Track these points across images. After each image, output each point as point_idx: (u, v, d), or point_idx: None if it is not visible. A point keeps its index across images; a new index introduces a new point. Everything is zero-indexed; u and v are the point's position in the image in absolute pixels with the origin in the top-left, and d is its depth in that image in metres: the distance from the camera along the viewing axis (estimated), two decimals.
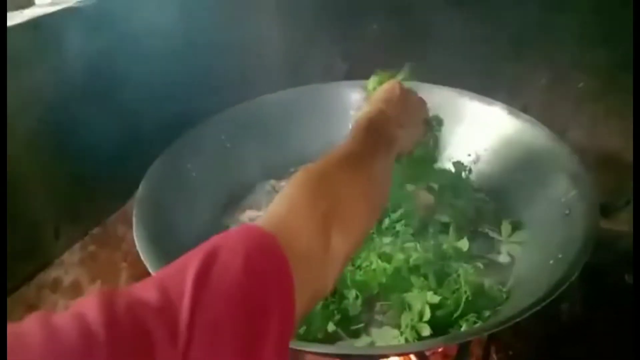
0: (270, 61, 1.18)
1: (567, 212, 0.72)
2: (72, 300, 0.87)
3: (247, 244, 0.40)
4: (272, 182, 0.95)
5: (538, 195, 0.80)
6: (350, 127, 0.61)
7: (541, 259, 0.69)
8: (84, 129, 0.79)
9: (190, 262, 0.38)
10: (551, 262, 0.66)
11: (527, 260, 0.73)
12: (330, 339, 0.66)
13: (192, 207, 0.82)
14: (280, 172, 0.96)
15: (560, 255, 0.66)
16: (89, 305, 0.35)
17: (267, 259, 0.40)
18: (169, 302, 0.36)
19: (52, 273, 0.86)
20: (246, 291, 0.37)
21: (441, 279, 0.69)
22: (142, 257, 0.64)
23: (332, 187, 0.49)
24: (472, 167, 0.91)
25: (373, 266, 0.71)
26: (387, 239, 0.76)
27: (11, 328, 0.33)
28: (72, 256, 0.88)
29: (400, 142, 0.61)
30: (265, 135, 0.95)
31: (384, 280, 0.69)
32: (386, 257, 0.72)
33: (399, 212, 0.78)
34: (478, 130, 0.92)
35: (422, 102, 0.71)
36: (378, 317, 0.69)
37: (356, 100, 0.97)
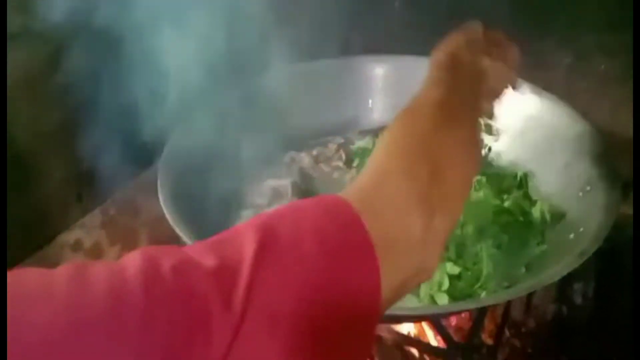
0: (289, 33, 1.18)
1: (588, 188, 0.72)
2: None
3: (321, 220, 0.34)
4: (292, 153, 0.95)
5: (559, 173, 0.80)
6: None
7: (561, 232, 0.69)
8: (109, 93, 0.80)
9: (248, 232, 0.33)
10: (572, 236, 0.67)
11: (547, 234, 0.74)
12: None
13: (213, 175, 0.83)
14: (299, 145, 0.96)
15: (581, 229, 0.66)
16: (131, 261, 0.31)
17: (345, 238, 0.33)
18: (226, 268, 0.31)
19: (73, 235, 0.87)
20: (320, 276, 0.32)
21: (461, 251, 0.69)
22: (167, 216, 0.65)
23: (432, 151, 0.41)
24: (493, 145, 0.91)
25: None
26: None
27: (43, 275, 0.30)
28: (93, 219, 0.90)
29: (489, 78, 0.51)
30: (283, 107, 0.95)
31: None
32: None
33: None
34: (499, 107, 0.92)
35: (509, 42, 0.57)
36: None
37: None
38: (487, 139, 0.92)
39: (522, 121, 0.90)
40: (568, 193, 0.76)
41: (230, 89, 0.92)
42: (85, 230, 0.89)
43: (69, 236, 0.87)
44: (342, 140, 1.00)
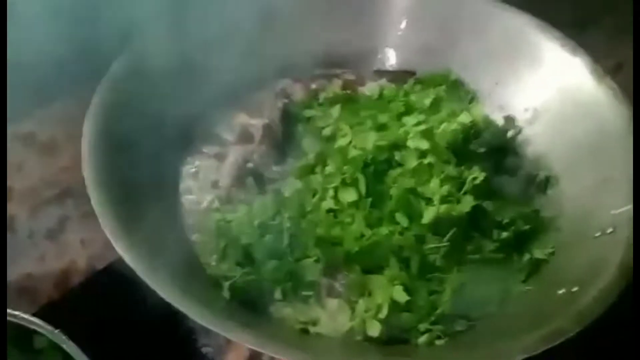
0: None
1: (610, 230, 0.56)
2: None
3: None
4: (285, 82, 0.80)
5: (589, 189, 0.62)
6: None
7: (550, 284, 0.54)
8: None
9: None
10: (561, 291, 0.52)
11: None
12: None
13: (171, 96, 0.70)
14: (300, 72, 0.81)
15: (574, 289, 0.51)
16: None
17: None
18: None
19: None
20: None
21: (425, 271, 0.56)
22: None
23: None
24: (525, 127, 0.73)
25: (351, 227, 0.58)
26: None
27: None
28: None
29: None
30: (285, 22, 0.79)
31: (355, 248, 0.56)
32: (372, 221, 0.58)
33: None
34: (545, 83, 0.73)
35: None
36: (338, 286, 0.58)
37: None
38: (520, 119, 0.74)
39: (569, 106, 0.70)
40: (585, 225, 0.59)
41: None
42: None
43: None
44: (353, 77, 0.84)
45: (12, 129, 0.77)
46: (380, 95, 0.76)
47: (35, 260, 0.66)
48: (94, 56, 0.69)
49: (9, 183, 0.72)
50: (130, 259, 0.49)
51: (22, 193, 0.73)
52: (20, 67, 0.68)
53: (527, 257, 0.59)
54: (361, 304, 0.54)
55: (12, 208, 0.71)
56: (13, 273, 0.64)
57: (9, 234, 0.68)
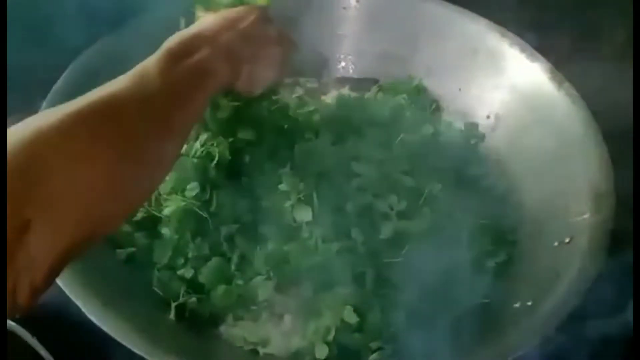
0: None
1: (567, 240, 0.54)
2: None
3: None
4: None
5: (546, 200, 0.61)
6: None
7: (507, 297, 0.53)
8: None
9: None
10: (526, 303, 0.50)
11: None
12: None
13: None
14: None
15: (529, 303, 0.50)
16: None
17: None
18: None
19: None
20: None
21: (380, 287, 0.54)
22: None
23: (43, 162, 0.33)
24: (487, 134, 0.72)
25: (304, 243, 0.56)
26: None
27: None
28: None
29: (222, 78, 0.47)
30: None
31: (304, 265, 0.55)
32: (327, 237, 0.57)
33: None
34: (506, 89, 0.71)
35: (285, 42, 0.56)
36: (291, 302, 0.56)
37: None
38: (482, 126, 0.73)
39: (529, 111, 0.69)
40: (543, 234, 0.58)
41: None
42: None
43: None
44: (315, 85, 0.82)
45: None
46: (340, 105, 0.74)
47: None
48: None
49: None
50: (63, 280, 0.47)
51: None
52: None
53: (486, 269, 0.57)
54: (311, 325, 0.52)
55: None
56: None
57: None
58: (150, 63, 0.42)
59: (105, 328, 0.45)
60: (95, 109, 0.36)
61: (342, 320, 0.51)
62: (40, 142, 0.33)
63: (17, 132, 0.33)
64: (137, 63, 0.43)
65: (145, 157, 0.39)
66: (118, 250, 0.56)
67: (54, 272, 0.34)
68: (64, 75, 0.64)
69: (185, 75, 0.43)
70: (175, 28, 0.50)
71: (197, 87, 0.44)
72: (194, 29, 0.48)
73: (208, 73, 0.45)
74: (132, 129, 0.38)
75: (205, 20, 0.50)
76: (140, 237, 0.57)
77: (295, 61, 0.78)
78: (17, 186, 0.32)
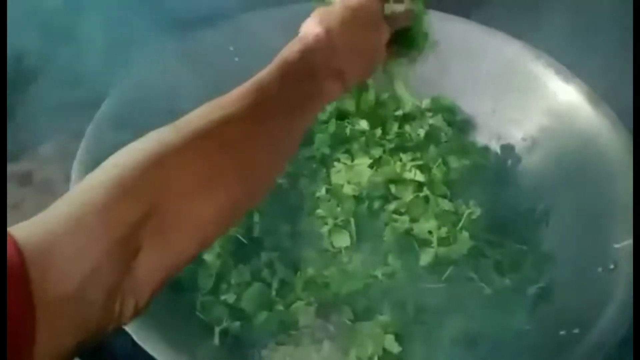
0: None
1: (612, 266, 0.54)
2: None
3: None
4: None
5: (583, 224, 0.61)
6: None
7: (551, 324, 0.53)
8: None
9: None
10: (573, 331, 0.50)
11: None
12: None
13: None
14: None
15: (575, 331, 0.49)
16: None
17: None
18: None
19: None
20: None
21: (421, 314, 0.54)
22: None
23: (157, 181, 0.33)
24: (524, 156, 0.72)
25: (343, 268, 0.57)
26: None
27: None
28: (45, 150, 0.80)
29: (338, 87, 0.43)
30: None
31: (344, 290, 0.55)
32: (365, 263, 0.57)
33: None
34: (542, 111, 0.71)
35: (380, 25, 0.48)
36: (332, 328, 0.57)
37: None
38: (518, 148, 0.73)
39: (567, 133, 0.69)
40: (586, 259, 0.57)
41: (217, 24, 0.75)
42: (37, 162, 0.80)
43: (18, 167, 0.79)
44: None
45: (9, 169, 0.77)
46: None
47: None
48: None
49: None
50: None
51: None
52: None
53: (528, 295, 0.57)
54: (352, 354, 0.52)
55: None
56: None
57: None
58: (267, 76, 0.40)
59: (150, 350, 0.46)
60: (212, 136, 0.35)
61: (384, 349, 0.51)
62: (160, 171, 0.33)
63: (135, 153, 0.33)
64: None
65: (255, 185, 0.38)
66: None
67: (155, 294, 0.34)
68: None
69: (304, 88, 0.41)
70: None
71: (313, 99, 0.42)
72: (311, 30, 0.43)
73: (325, 84, 0.42)
74: (247, 158, 0.37)
75: (325, 15, 0.44)
76: None
77: None
78: (132, 211, 0.31)
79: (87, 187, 0.32)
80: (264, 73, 0.40)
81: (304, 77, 0.41)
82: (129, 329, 0.47)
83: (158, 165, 0.33)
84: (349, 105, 0.70)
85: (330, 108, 0.73)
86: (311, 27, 0.43)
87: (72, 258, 0.30)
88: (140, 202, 0.32)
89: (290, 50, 0.42)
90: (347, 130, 0.70)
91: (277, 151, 0.39)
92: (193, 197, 0.34)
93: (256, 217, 0.59)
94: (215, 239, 0.37)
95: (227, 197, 0.35)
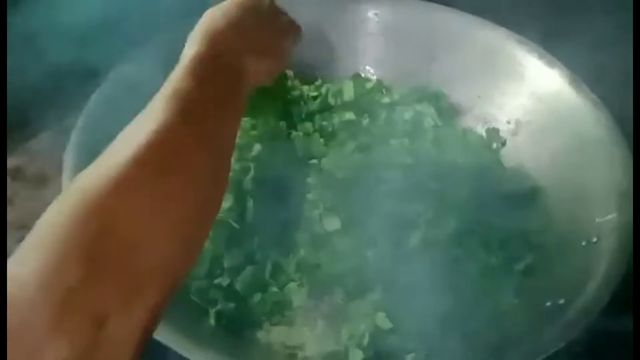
0: None
1: (594, 239, 0.55)
2: None
3: None
4: None
5: (571, 200, 0.62)
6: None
7: (538, 297, 0.54)
8: None
9: None
10: (558, 302, 0.51)
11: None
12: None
13: None
14: None
15: (561, 302, 0.51)
16: None
17: None
18: None
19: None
20: None
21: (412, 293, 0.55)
22: None
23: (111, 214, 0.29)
24: (508, 139, 0.74)
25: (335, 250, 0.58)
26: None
27: None
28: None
29: (255, 75, 0.45)
30: None
31: (336, 271, 0.56)
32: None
33: None
34: (526, 95, 0.73)
35: (292, 28, 0.53)
36: (325, 307, 0.58)
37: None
38: (503, 131, 0.74)
39: (550, 116, 0.71)
40: (571, 234, 0.59)
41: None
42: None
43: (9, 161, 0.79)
44: None
45: None
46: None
47: None
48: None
49: None
50: None
51: (12, 226, 0.73)
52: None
53: (515, 271, 0.58)
54: (344, 331, 0.54)
55: None
56: None
57: None
58: (180, 77, 0.39)
59: None
60: (153, 152, 0.33)
61: (376, 326, 0.52)
62: (95, 225, 0.29)
63: (61, 214, 0.30)
64: None
65: (206, 189, 0.36)
66: None
67: (139, 352, 0.30)
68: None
69: (224, 78, 0.41)
70: None
71: (234, 88, 0.42)
72: (217, 21, 0.44)
73: (243, 71, 0.43)
74: (191, 172, 0.35)
75: (226, 9, 0.45)
76: None
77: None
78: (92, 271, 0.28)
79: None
80: (176, 79, 0.39)
81: (217, 72, 0.40)
82: None
83: (92, 220, 0.29)
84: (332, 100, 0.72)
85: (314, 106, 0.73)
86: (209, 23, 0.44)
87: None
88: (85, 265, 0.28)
89: (194, 51, 0.41)
90: (335, 122, 0.71)
91: (218, 144, 0.39)
92: (143, 239, 0.31)
93: (250, 203, 0.60)
94: (186, 266, 0.35)
95: (181, 218, 0.33)
